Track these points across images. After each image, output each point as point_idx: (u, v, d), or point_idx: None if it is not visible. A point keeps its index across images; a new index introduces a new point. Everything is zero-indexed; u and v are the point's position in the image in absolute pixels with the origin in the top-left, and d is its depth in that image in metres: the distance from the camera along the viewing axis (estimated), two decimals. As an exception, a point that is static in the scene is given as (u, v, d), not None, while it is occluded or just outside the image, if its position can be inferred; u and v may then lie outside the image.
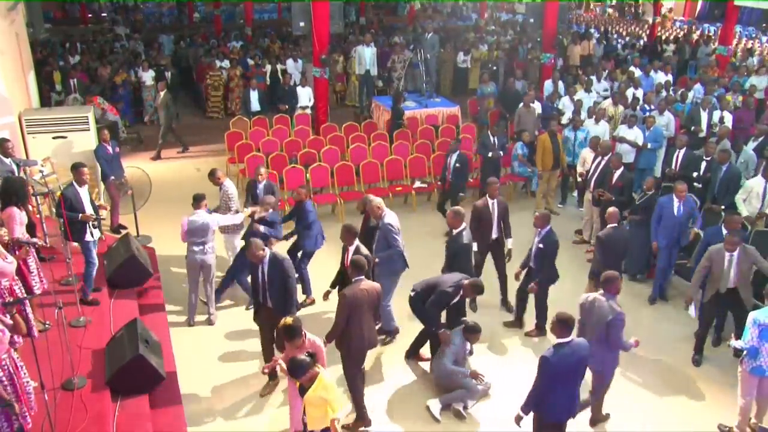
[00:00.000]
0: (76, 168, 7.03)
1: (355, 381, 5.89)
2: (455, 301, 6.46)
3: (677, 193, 7.79)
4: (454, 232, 7.08)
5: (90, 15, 27.46)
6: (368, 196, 7.53)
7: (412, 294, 6.56)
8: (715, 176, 8.88)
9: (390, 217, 7.04)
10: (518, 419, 5.21)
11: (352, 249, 6.50)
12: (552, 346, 5.02)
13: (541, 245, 7.13)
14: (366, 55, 14.87)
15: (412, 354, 7.01)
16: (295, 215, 7.88)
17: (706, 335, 7.11)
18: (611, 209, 7.63)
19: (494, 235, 7.79)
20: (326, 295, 6.77)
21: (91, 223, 6.93)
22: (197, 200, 7.26)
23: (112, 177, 9.16)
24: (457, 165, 9.64)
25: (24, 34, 10.61)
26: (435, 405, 6.22)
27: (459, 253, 6.99)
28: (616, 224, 7.43)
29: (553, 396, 5.02)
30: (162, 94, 12.71)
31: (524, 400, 5.15)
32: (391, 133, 12.15)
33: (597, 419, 6.12)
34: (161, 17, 28.58)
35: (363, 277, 5.81)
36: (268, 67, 16.36)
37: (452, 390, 6.26)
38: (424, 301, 6.43)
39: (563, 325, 4.98)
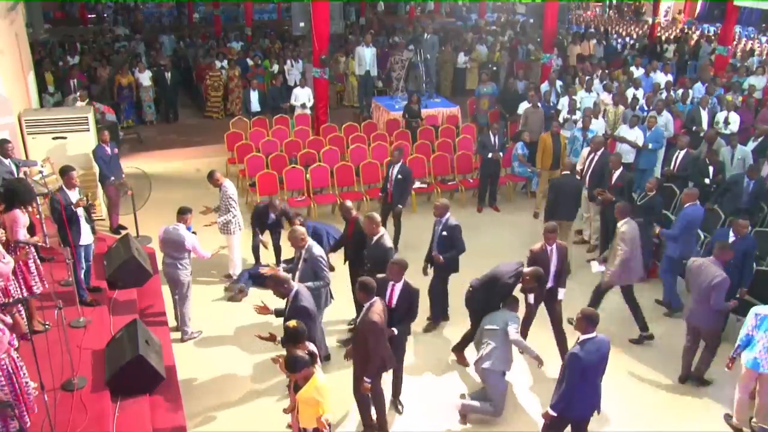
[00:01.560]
0: (65, 172, 6.99)
1: (364, 398, 5.72)
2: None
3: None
4: (374, 239, 6.69)
5: (92, 15, 27.44)
6: (345, 202, 7.34)
7: (470, 289, 6.59)
8: (740, 188, 8.80)
9: (319, 249, 6.46)
10: (548, 417, 5.19)
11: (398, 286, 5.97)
12: (577, 342, 5.04)
13: (444, 233, 7.21)
14: (366, 56, 14.86)
15: (459, 348, 6.87)
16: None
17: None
18: (568, 159, 9.01)
19: (549, 284, 6.85)
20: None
21: (85, 217, 6.93)
22: (180, 213, 6.99)
23: (112, 178, 9.16)
24: (399, 177, 9.04)
25: (24, 34, 10.60)
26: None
27: (386, 260, 6.31)
28: (569, 172, 8.90)
29: (578, 392, 5.02)
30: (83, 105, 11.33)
31: (555, 398, 5.12)
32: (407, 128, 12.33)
33: (701, 374, 6.61)
34: (161, 17, 28.57)
35: (376, 297, 5.51)
36: (276, 67, 16.34)
37: (484, 392, 6.08)
38: (480, 299, 6.41)
39: (588, 320, 5.04)
